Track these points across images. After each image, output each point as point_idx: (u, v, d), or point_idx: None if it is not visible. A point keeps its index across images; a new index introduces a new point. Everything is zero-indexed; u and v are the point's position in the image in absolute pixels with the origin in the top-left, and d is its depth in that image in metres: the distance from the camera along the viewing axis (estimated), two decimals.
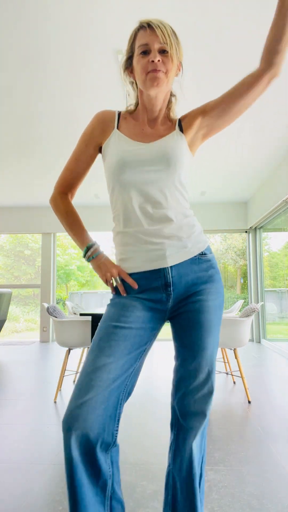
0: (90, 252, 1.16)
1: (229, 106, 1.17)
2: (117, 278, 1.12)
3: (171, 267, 1.09)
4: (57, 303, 9.41)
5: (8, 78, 2.80)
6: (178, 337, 1.14)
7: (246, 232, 6.88)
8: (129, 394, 1.06)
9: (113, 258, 1.24)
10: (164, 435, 2.29)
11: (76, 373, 3.51)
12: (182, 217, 1.13)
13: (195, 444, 1.14)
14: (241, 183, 5.58)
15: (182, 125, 1.22)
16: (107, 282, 1.14)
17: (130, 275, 1.12)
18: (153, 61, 1.07)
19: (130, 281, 1.10)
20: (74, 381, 3.65)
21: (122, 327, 1.05)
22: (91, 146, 1.18)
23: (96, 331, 1.08)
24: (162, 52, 1.10)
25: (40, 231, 7.02)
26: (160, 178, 1.09)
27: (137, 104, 1.21)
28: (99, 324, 1.15)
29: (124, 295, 1.11)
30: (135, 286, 1.09)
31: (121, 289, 1.11)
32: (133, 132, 1.16)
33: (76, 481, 0.93)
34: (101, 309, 3.40)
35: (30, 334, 9.84)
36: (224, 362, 3.72)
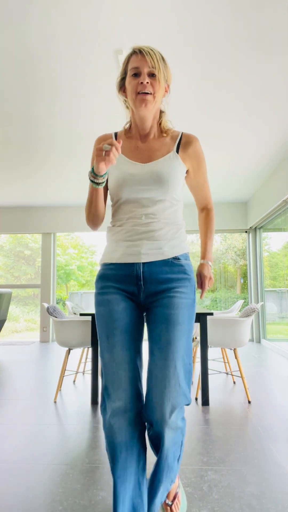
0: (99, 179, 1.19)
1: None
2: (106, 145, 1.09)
3: (143, 263, 1.24)
4: (57, 303, 9.40)
5: (8, 78, 2.80)
6: (149, 331, 1.26)
7: (246, 232, 6.88)
8: (141, 371, 1.25)
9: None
10: None
11: (76, 373, 3.51)
12: (169, 227, 1.29)
13: (165, 450, 1.20)
14: (241, 183, 5.58)
15: (180, 146, 1.34)
16: (101, 152, 1.10)
17: (110, 265, 1.29)
18: (142, 83, 1.22)
19: (118, 144, 1.09)
20: (74, 381, 3.65)
21: (121, 323, 1.22)
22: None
23: (98, 329, 1.26)
24: (151, 75, 1.24)
25: (40, 231, 7.02)
26: (155, 195, 1.27)
27: (130, 122, 1.37)
28: (97, 323, 1.28)
29: (118, 144, 1.09)
30: (119, 142, 1.10)
31: (114, 144, 1.08)
32: (129, 149, 1.33)
33: (112, 447, 1.18)
34: None
35: (30, 334, 9.83)
36: (224, 362, 3.72)
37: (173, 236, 1.29)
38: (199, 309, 3.24)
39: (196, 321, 2.87)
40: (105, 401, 1.21)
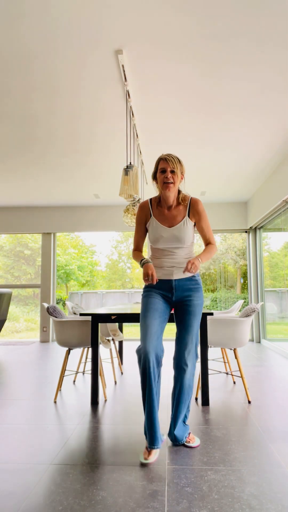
0: (144, 261, 2.18)
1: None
2: (151, 276, 2.12)
3: (174, 279, 2.20)
4: (57, 303, 9.40)
5: (8, 78, 2.80)
6: (178, 319, 2.22)
7: (246, 232, 6.88)
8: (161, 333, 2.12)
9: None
10: (163, 436, 2.29)
11: (76, 373, 3.51)
12: (186, 259, 2.22)
13: (186, 378, 2.13)
14: (241, 183, 5.58)
15: (190, 211, 2.22)
16: (146, 277, 2.12)
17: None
18: (167, 177, 2.14)
19: (155, 277, 2.12)
20: (74, 381, 3.65)
21: (155, 307, 2.14)
22: (143, 225, 2.31)
23: (142, 309, 2.16)
24: (172, 172, 2.14)
25: (40, 231, 7.02)
26: (176, 246, 2.21)
27: (159, 198, 2.27)
28: (142, 306, 2.18)
29: (154, 283, 2.12)
30: (156, 280, 2.12)
31: (153, 279, 2.11)
32: (159, 215, 2.24)
33: (150, 375, 1.96)
34: (101, 309, 3.40)
35: (30, 334, 9.83)
36: (224, 362, 3.72)
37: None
38: None
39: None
40: (138, 346, 2.05)
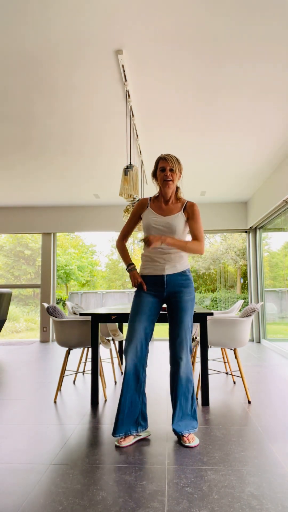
0: (131, 267, 2.36)
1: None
2: (139, 283, 2.32)
3: (166, 275, 2.30)
4: (57, 303, 9.40)
5: (8, 79, 2.80)
6: (170, 315, 2.30)
7: (246, 232, 6.88)
8: (149, 341, 2.27)
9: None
10: (163, 436, 2.29)
11: (76, 373, 3.51)
12: (177, 253, 2.31)
13: (181, 371, 2.20)
14: (241, 183, 5.58)
15: (185, 209, 2.35)
16: (135, 284, 2.33)
17: (146, 276, 2.33)
18: (166, 175, 2.29)
19: (144, 285, 2.30)
20: (74, 381, 3.65)
21: (144, 310, 2.26)
22: (137, 216, 2.43)
23: (131, 310, 2.28)
24: (171, 170, 2.29)
25: (40, 231, 7.02)
26: (168, 235, 2.28)
27: (159, 194, 2.41)
28: (132, 306, 2.30)
29: (145, 289, 2.29)
30: (145, 288, 2.30)
31: (143, 287, 2.30)
32: (156, 208, 2.37)
33: (128, 382, 2.18)
34: (101, 309, 3.40)
35: (30, 334, 9.83)
36: (224, 362, 3.72)
37: (180, 259, 2.32)
38: (199, 309, 3.24)
39: (196, 321, 2.87)
40: (126, 349, 2.20)
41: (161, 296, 2.30)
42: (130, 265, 2.36)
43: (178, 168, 2.30)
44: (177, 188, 2.39)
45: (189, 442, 2.13)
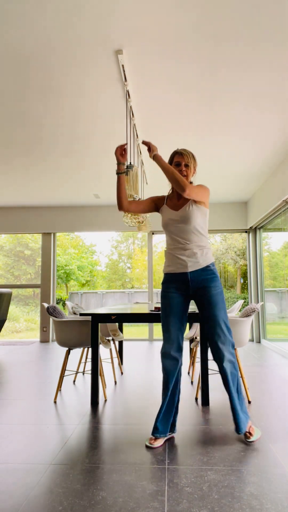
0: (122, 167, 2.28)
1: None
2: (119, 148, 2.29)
3: (189, 272, 2.23)
4: (57, 303, 9.40)
5: (8, 78, 2.80)
6: (200, 313, 2.27)
7: (246, 232, 6.88)
8: (183, 340, 2.29)
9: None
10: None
11: (76, 373, 3.51)
12: (198, 247, 2.26)
13: (225, 367, 2.18)
14: (241, 183, 5.58)
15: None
16: (119, 151, 2.28)
17: (170, 274, 2.29)
18: (180, 170, 2.27)
19: (124, 154, 2.30)
20: (74, 381, 3.65)
21: (174, 311, 2.25)
22: (153, 204, 2.40)
23: (162, 312, 2.28)
24: (186, 165, 2.28)
25: (40, 231, 7.02)
26: (184, 228, 2.25)
27: (172, 190, 2.42)
28: (161, 307, 2.29)
29: (122, 160, 2.29)
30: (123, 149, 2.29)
31: (122, 158, 2.30)
32: (171, 204, 2.35)
33: (168, 384, 2.23)
34: (101, 309, 3.40)
35: (30, 334, 9.83)
36: None
37: (202, 253, 2.26)
38: None
39: (196, 321, 2.87)
40: (161, 350, 2.26)
41: (187, 294, 2.27)
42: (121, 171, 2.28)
43: (193, 164, 2.28)
44: (190, 183, 2.35)
45: (251, 437, 2.16)
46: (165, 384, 2.23)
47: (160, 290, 2.30)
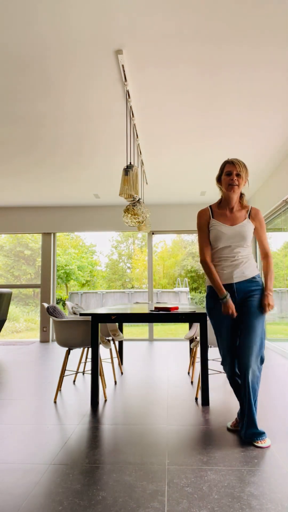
0: (225, 297, 2.21)
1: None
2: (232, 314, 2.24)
3: (235, 283, 2.25)
4: (57, 303, 9.39)
5: (9, 78, 2.80)
6: (240, 321, 2.24)
7: None
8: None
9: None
10: (163, 436, 2.29)
11: (76, 373, 3.51)
12: (246, 259, 2.28)
13: (249, 380, 2.15)
14: None
15: (250, 215, 2.32)
16: (227, 312, 2.21)
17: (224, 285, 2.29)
18: (232, 179, 2.24)
19: (235, 314, 2.24)
20: (74, 381, 3.65)
21: (225, 325, 2.28)
22: (205, 228, 2.35)
23: (215, 329, 2.33)
24: (237, 175, 2.24)
25: (40, 231, 7.02)
26: (238, 244, 2.26)
27: (221, 200, 2.37)
28: (213, 324, 2.33)
29: (234, 316, 2.24)
30: (235, 314, 2.24)
31: (231, 312, 2.23)
32: (221, 216, 2.33)
33: (232, 383, 2.31)
34: (101, 309, 3.40)
35: (30, 334, 9.83)
36: None
37: (249, 265, 2.27)
38: (199, 309, 3.24)
39: (196, 321, 2.87)
40: (224, 363, 2.31)
41: (234, 304, 2.27)
42: (224, 296, 2.23)
43: (245, 174, 2.24)
44: (242, 194, 2.35)
45: (262, 443, 2.13)
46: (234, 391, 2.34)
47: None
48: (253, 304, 2.20)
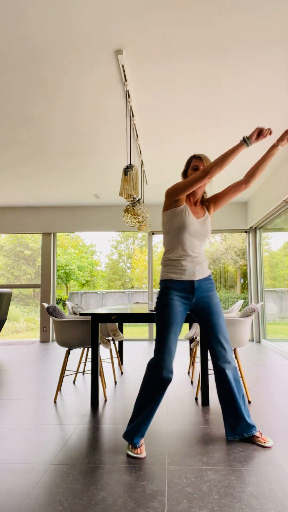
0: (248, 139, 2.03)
1: (224, 200, 2.35)
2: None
3: (196, 280, 2.18)
4: (57, 303, 9.40)
5: (9, 79, 2.80)
6: (205, 322, 2.21)
7: (246, 232, 6.88)
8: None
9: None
10: (163, 436, 2.29)
11: (76, 373, 3.51)
12: (204, 257, 2.26)
13: (232, 373, 2.19)
14: None
15: (207, 207, 2.35)
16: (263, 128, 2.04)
17: (174, 281, 2.16)
18: None
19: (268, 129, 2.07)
20: (74, 381, 3.65)
21: (177, 320, 2.10)
22: (180, 200, 2.22)
23: (162, 319, 2.09)
24: None
25: (40, 231, 7.02)
26: (199, 239, 2.22)
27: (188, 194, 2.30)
28: (162, 315, 2.10)
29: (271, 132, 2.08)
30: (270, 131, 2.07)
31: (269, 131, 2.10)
32: (190, 207, 2.26)
33: (162, 395, 2.07)
34: (101, 309, 3.40)
35: (30, 334, 9.83)
36: None
37: (206, 264, 2.27)
38: None
39: (196, 321, 2.87)
40: (158, 361, 2.05)
41: (190, 303, 2.19)
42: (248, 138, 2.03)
43: None
44: (204, 192, 2.35)
45: (266, 442, 2.12)
46: (155, 397, 2.05)
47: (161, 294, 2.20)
48: (214, 302, 2.21)
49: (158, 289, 2.40)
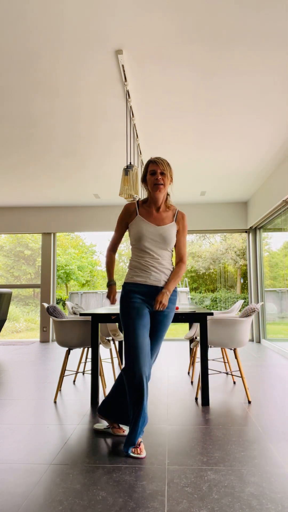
0: (112, 283, 2.31)
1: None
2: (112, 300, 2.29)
3: (161, 286, 2.19)
4: (57, 303, 9.39)
5: (9, 79, 2.80)
6: (151, 328, 2.20)
7: (246, 232, 6.88)
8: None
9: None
10: (163, 436, 2.29)
11: (76, 373, 3.51)
12: (169, 267, 2.23)
13: (146, 385, 2.08)
14: (241, 183, 5.58)
15: (177, 218, 2.28)
16: (109, 297, 2.28)
17: (138, 285, 2.17)
18: (157, 179, 2.16)
19: (115, 301, 2.30)
20: (74, 381, 3.65)
21: (144, 323, 2.10)
22: (124, 224, 2.29)
23: (128, 316, 2.10)
24: (162, 174, 2.17)
25: (40, 231, 7.02)
26: (161, 247, 2.19)
27: (147, 199, 2.27)
28: (127, 311, 2.11)
29: (113, 304, 2.30)
30: (115, 301, 2.30)
31: (112, 301, 2.29)
32: (147, 215, 2.23)
33: (143, 396, 2.00)
34: (101, 309, 3.40)
35: (30, 334, 9.83)
36: (224, 362, 3.72)
37: (169, 271, 2.24)
38: (199, 309, 3.24)
39: (196, 321, 2.87)
40: (130, 365, 2.01)
41: (150, 308, 2.18)
42: (110, 281, 2.30)
43: (169, 172, 2.17)
44: (167, 194, 2.27)
45: (141, 454, 2.00)
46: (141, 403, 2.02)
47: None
48: (169, 315, 2.20)
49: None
